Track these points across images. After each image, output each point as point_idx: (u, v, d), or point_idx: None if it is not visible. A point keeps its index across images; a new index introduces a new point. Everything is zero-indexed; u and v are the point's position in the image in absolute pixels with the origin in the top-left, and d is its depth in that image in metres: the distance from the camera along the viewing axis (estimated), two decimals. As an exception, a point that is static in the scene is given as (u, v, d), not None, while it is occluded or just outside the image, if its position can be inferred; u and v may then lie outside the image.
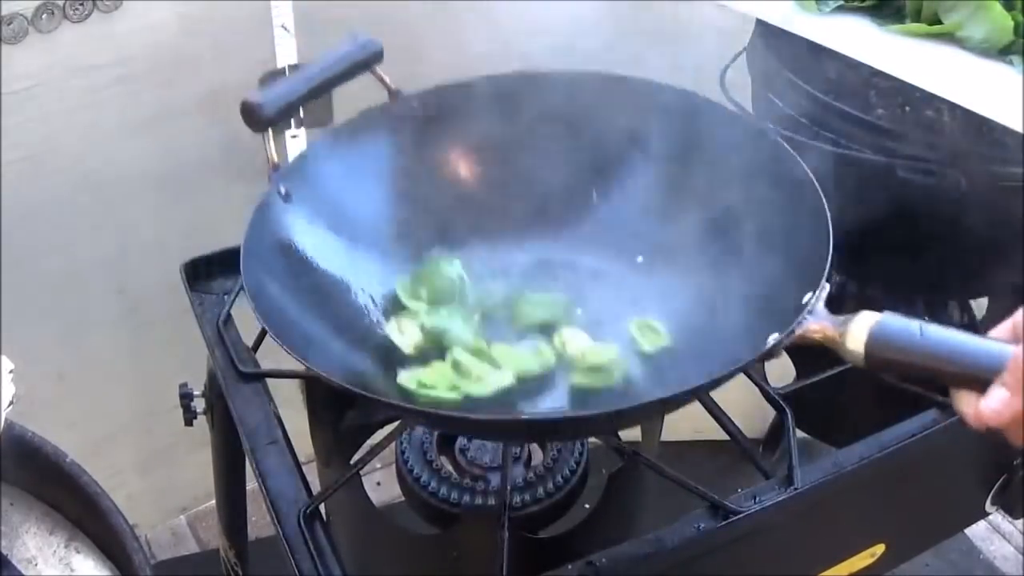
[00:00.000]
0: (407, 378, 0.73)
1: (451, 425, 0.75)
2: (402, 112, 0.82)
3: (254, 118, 0.72)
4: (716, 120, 0.79)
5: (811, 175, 0.71)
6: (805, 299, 0.60)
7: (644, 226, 0.81)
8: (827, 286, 0.60)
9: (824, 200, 0.69)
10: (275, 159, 0.75)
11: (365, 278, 0.79)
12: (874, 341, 0.54)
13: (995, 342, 0.51)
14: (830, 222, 0.67)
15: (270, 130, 0.74)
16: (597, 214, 0.83)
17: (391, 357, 0.76)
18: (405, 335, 0.77)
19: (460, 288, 0.80)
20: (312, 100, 0.77)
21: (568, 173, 0.83)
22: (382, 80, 0.80)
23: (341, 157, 0.80)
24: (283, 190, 0.75)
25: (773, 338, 0.59)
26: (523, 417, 0.71)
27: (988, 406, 0.50)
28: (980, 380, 0.50)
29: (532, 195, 0.83)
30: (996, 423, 0.50)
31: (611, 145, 0.82)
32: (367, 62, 0.78)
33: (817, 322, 0.58)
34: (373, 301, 0.79)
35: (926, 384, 0.54)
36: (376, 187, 0.82)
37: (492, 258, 0.83)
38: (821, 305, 0.59)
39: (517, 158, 0.83)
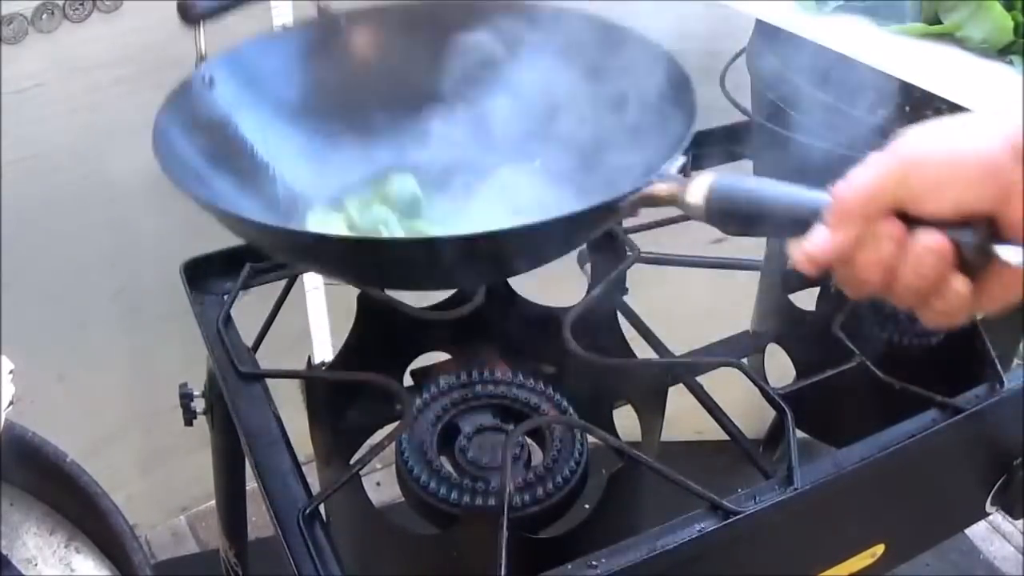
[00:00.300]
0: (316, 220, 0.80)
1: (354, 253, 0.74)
2: (328, 23, 0.88)
3: (187, 13, 0.83)
4: (594, 32, 0.82)
5: (678, 64, 0.76)
6: (663, 167, 0.64)
7: (532, 128, 0.85)
8: (682, 157, 0.65)
9: (689, 81, 0.73)
10: (203, 51, 0.83)
11: (280, 157, 0.83)
12: (711, 193, 0.58)
13: (820, 191, 0.53)
14: (692, 101, 0.71)
15: (201, 24, 0.83)
16: (491, 123, 0.86)
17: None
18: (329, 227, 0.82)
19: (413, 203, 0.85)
20: (242, 5, 0.85)
21: (468, 87, 0.86)
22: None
23: (266, 56, 0.85)
24: (207, 77, 0.81)
25: (625, 194, 0.63)
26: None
27: (810, 241, 0.52)
28: (805, 222, 0.53)
29: (438, 105, 0.87)
30: (820, 258, 0.52)
31: (503, 61, 0.85)
32: None
33: (664, 182, 0.62)
34: (284, 177, 0.83)
35: (766, 233, 0.59)
36: (295, 83, 0.86)
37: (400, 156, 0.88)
38: (673, 170, 0.63)
39: (429, 67, 0.87)
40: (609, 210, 0.65)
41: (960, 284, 0.49)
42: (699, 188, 0.59)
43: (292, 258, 0.87)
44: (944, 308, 0.50)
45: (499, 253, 0.67)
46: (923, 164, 0.49)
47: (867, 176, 0.51)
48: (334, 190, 0.85)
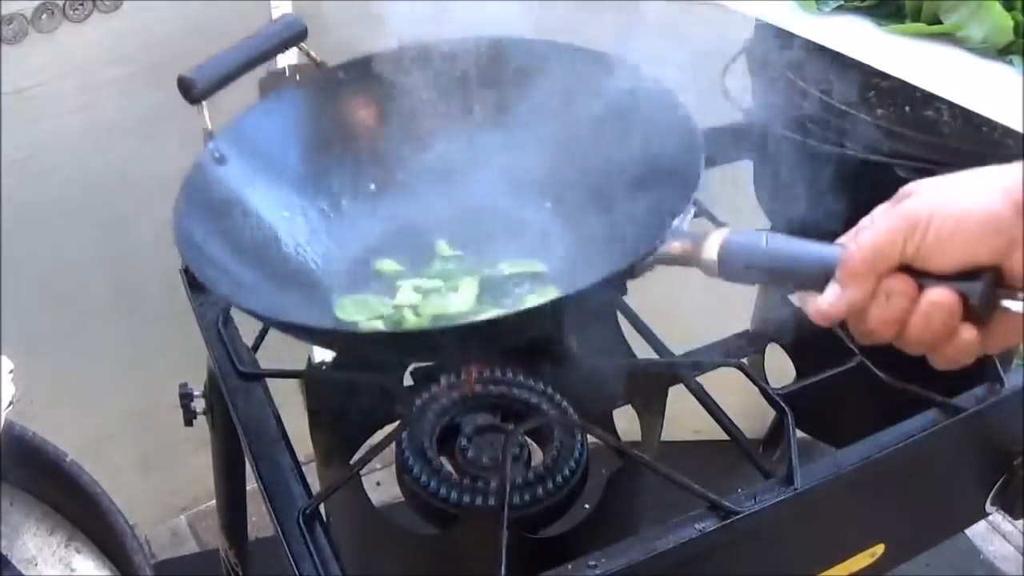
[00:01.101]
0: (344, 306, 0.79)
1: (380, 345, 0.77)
2: (328, 80, 0.88)
3: (189, 93, 0.82)
4: (595, 70, 0.83)
5: (688, 113, 0.75)
6: (673, 223, 0.64)
7: (540, 173, 0.86)
8: (692, 209, 0.66)
9: (699, 137, 0.73)
10: (209, 127, 0.82)
11: (295, 230, 0.83)
12: (725, 251, 0.60)
13: (830, 245, 0.56)
14: (702, 152, 0.71)
15: (204, 103, 0.83)
16: (500, 164, 0.88)
17: (317, 295, 0.81)
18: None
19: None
20: (242, 75, 0.85)
21: (474, 128, 0.88)
22: (308, 54, 0.88)
23: (271, 122, 0.86)
24: (217, 153, 0.81)
25: (641, 255, 0.64)
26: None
27: (824, 299, 0.55)
28: (818, 279, 0.55)
29: (442, 148, 0.89)
30: (835, 315, 0.55)
31: (511, 101, 0.87)
32: (293, 39, 0.87)
33: (678, 240, 0.63)
34: (302, 250, 0.83)
35: (777, 285, 0.60)
36: (301, 147, 0.87)
37: (410, 208, 0.88)
38: (684, 227, 0.64)
39: (432, 116, 0.89)
40: (623, 276, 0.66)
41: (967, 332, 0.52)
42: (712, 245, 0.60)
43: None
44: (952, 354, 0.53)
45: (516, 330, 0.69)
46: (929, 222, 0.51)
47: (875, 235, 0.53)
48: (356, 252, 0.85)
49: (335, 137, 0.88)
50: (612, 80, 0.82)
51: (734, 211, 0.96)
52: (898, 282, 0.52)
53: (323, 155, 0.87)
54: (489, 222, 0.86)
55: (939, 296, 0.52)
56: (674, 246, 0.63)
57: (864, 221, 0.56)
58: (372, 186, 0.88)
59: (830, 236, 0.71)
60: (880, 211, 0.55)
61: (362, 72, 0.88)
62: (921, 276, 0.52)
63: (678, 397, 0.89)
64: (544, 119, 0.86)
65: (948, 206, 0.52)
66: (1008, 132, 0.79)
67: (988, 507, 0.95)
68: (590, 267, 0.74)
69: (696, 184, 0.69)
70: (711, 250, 0.60)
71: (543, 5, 1.26)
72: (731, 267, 0.60)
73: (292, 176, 0.85)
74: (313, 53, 0.88)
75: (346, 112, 0.89)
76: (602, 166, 0.82)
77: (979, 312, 0.52)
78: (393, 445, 0.82)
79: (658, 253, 0.63)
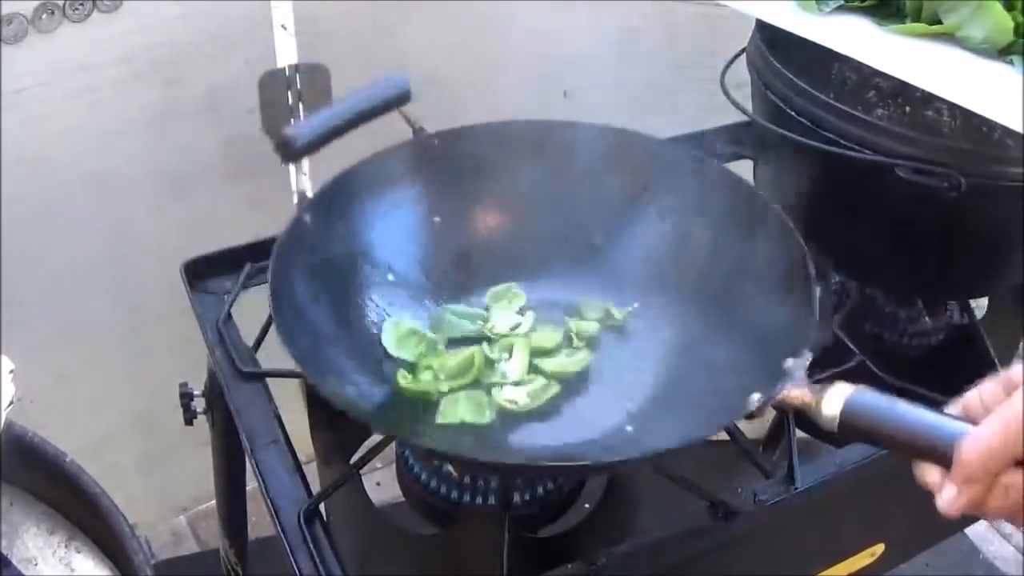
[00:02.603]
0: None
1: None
2: (423, 150, 0.85)
3: (288, 150, 0.76)
4: (719, 183, 0.82)
5: (805, 248, 0.74)
6: (787, 364, 0.63)
7: (642, 276, 0.83)
8: (809, 354, 0.64)
9: (813, 271, 0.71)
10: (304, 189, 0.79)
11: (382, 307, 0.80)
12: (848, 411, 0.58)
13: (953, 421, 0.55)
14: (816, 297, 0.69)
15: (301, 162, 0.78)
16: (600, 261, 0.85)
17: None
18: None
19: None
20: (343, 134, 0.79)
21: (576, 221, 0.85)
22: (407, 119, 0.84)
23: (364, 190, 0.82)
24: (308, 218, 0.78)
25: (756, 399, 0.63)
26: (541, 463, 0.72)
27: (943, 500, 0.54)
28: (937, 458, 0.55)
29: (540, 241, 0.86)
30: (954, 514, 0.54)
31: (617, 196, 0.85)
32: (397, 101, 0.82)
33: (797, 388, 0.61)
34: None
35: (887, 448, 0.60)
36: (395, 222, 0.84)
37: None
38: (801, 372, 0.63)
39: (528, 203, 0.86)
40: (740, 418, 0.64)
41: None
42: (835, 400, 0.58)
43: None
44: None
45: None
46: None
47: (992, 435, 0.52)
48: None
49: (426, 215, 0.85)
50: (724, 193, 0.80)
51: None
52: (1016, 477, 0.52)
53: (414, 234, 0.84)
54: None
55: None
56: (792, 394, 0.61)
57: (971, 396, 0.56)
58: (460, 275, 0.85)
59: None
60: (992, 394, 0.55)
61: (459, 144, 0.85)
62: None
63: (678, 397, 0.89)
64: (650, 221, 0.83)
65: None
66: (1008, 132, 0.79)
67: (988, 507, 0.94)
68: (683, 409, 0.72)
69: (812, 325, 0.67)
70: (833, 407, 0.58)
71: (542, 5, 1.26)
72: (852, 428, 0.58)
73: (383, 253, 0.82)
74: (412, 118, 0.84)
75: (442, 190, 0.85)
76: (706, 285, 0.80)
77: None
78: (393, 445, 0.82)
79: (775, 400, 0.62)
